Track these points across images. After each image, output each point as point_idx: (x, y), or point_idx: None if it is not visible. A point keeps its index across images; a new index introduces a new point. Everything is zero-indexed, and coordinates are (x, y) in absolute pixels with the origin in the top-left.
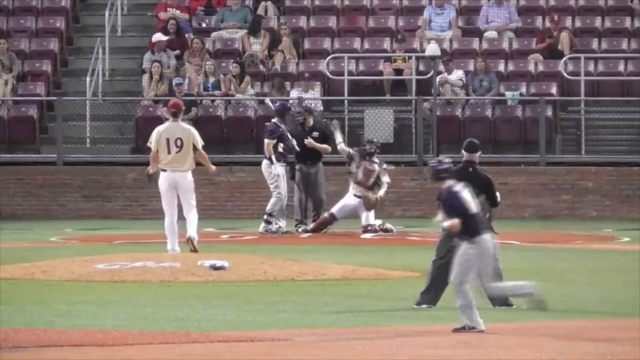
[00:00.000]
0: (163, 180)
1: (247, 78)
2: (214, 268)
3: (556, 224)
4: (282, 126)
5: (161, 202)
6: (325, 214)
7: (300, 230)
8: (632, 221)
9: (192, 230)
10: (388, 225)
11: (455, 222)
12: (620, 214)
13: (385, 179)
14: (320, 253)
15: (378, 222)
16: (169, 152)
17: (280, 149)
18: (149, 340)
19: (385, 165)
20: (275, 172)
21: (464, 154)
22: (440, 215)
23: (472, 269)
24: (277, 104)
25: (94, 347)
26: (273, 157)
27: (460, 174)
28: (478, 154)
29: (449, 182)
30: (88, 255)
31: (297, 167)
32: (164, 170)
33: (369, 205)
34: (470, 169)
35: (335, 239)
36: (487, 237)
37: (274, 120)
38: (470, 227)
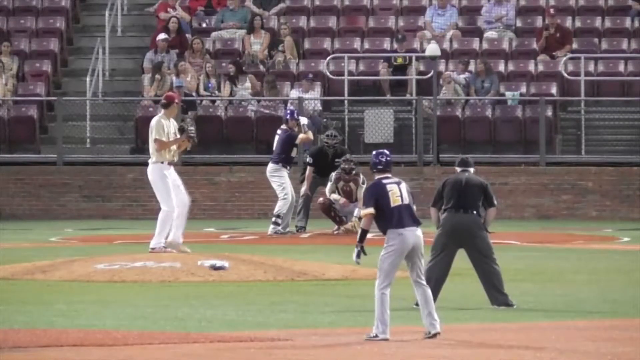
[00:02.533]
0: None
1: (247, 78)
2: (214, 268)
3: (556, 224)
4: (290, 129)
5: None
6: (323, 199)
7: (298, 230)
8: (632, 221)
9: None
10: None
11: (367, 211)
12: (620, 214)
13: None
14: (320, 253)
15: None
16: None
17: (293, 154)
18: (149, 340)
19: (362, 179)
20: (278, 174)
21: (457, 170)
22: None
23: (395, 267)
24: (288, 111)
25: (94, 347)
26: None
27: (456, 176)
28: (472, 169)
29: (384, 175)
30: (88, 255)
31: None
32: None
33: (344, 232)
34: (466, 174)
35: (336, 239)
36: (407, 232)
37: (283, 127)
38: (391, 221)
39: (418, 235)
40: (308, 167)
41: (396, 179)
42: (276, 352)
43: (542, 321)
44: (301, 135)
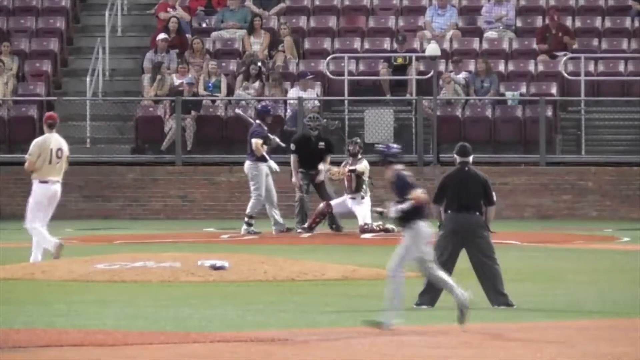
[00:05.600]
0: (45, 191)
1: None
2: (214, 268)
3: (556, 224)
4: (265, 127)
5: (39, 212)
6: (322, 205)
7: (299, 230)
8: (632, 221)
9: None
10: (388, 226)
11: (418, 194)
12: (620, 214)
13: (364, 170)
14: (320, 253)
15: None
16: (50, 163)
17: (264, 151)
18: (149, 340)
19: (364, 164)
20: (257, 173)
21: (457, 158)
22: (383, 207)
23: (409, 256)
24: (259, 106)
25: (94, 347)
26: (265, 155)
27: (457, 174)
28: (471, 157)
29: (397, 166)
30: (88, 255)
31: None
32: (45, 182)
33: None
34: (466, 169)
35: (335, 239)
36: (422, 225)
37: (257, 121)
38: (408, 214)
39: (430, 232)
40: (292, 156)
41: (408, 172)
42: (276, 352)
43: (542, 321)
44: (258, 146)
